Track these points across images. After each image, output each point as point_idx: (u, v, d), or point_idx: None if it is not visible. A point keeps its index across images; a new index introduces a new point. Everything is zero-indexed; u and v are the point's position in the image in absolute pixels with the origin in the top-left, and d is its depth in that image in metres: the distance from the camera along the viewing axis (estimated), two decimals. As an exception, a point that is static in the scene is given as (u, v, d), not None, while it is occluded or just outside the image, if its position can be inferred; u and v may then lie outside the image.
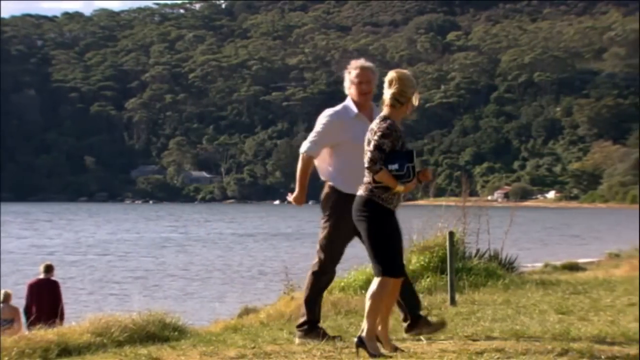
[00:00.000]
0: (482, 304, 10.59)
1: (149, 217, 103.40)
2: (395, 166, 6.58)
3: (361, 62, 7.73)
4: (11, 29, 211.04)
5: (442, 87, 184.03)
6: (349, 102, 7.72)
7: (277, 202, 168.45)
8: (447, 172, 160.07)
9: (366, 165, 6.62)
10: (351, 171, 7.28)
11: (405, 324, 7.76)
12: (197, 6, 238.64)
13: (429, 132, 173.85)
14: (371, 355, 6.58)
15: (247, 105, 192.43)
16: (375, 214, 6.66)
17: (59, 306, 14.89)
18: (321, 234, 7.71)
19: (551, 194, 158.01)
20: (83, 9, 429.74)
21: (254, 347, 7.29)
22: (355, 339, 6.71)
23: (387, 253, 6.67)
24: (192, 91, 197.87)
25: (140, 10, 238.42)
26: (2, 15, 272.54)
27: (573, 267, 26.53)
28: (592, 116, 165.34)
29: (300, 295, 12.68)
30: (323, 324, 7.90)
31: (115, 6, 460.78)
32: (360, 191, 6.76)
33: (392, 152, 6.59)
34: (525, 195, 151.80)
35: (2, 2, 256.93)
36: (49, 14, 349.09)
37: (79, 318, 10.20)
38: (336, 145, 7.62)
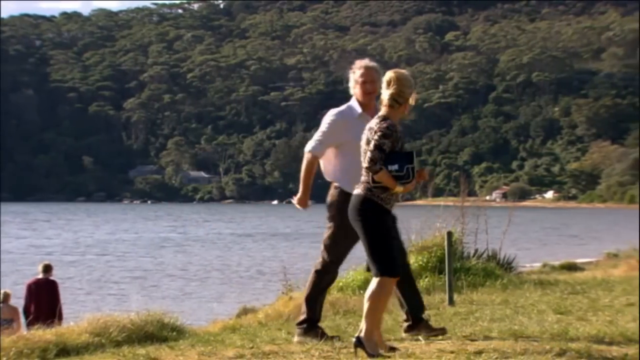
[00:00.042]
0: (481, 304, 10.59)
1: (148, 217, 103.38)
2: (395, 167, 6.57)
3: (365, 61, 7.72)
4: (9, 28, 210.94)
5: (441, 87, 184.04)
6: (353, 102, 7.72)
7: (275, 202, 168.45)
8: (446, 172, 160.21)
9: (366, 164, 6.61)
10: (356, 171, 7.25)
11: (405, 324, 7.75)
12: (196, 6, 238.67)
13: (427, 132, 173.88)
14: (370, 355, 6.58)
15: (245, 105, 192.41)
16: (374, 214, 6.66)
17: (57, 306, 14.89)
18: (326, 233, 7.70)
19: (549, 194, 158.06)
20: (81, 9, 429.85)
21: (252, 347, 7.29)
22: (354, 339, 6.70)
23: (385, 253, 6.66)
24: (191, 91, 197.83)
25: (138, 10, 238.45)
26: (1, 15, 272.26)
27: (571, 267, 26.54)
28: (591, 116, 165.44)
29: (299, 295, 12.68)
30: (321, 324, 7.89)
31: (114, 6, 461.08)
32: (358, 190, 6.74)
33: (392, 153, 6.58)
34: (523, 195, 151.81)
35: (1, 2, 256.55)
36: (47, 13, 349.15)
37: (77, 318, 10.20)
38: (340, 145, 7.60)
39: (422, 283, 12.65)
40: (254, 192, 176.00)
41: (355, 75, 7.69)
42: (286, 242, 58.53)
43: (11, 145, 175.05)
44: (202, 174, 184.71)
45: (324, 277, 7.77)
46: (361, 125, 7.27)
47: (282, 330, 8.65)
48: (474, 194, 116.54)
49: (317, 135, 7.73)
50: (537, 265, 28.53)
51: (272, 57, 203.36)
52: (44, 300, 15.14)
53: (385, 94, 6.76)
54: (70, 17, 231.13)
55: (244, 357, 6.97)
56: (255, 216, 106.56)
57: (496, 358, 6.51)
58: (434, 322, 7.91)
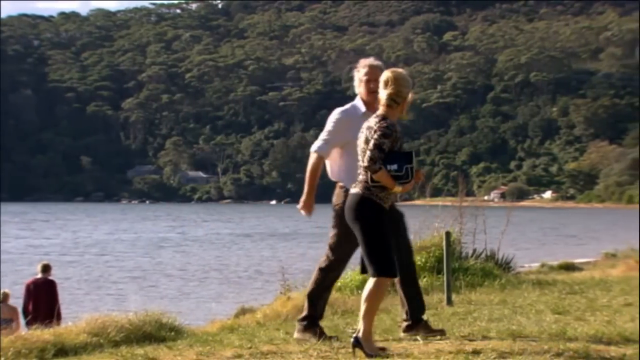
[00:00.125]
0: (479, 304, 10.59)
1: (146, 217, 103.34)
2: (395, 167, 6.57)
3: (370, 60, 7.70)
4: (7, 28, 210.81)
5: (439, 87, 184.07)
6: (357, 100, 7.71)
7: (273, 202, 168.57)
8: (444, 172, 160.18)
9: (365, 164, 6.59)
10: None
11: (404, 324, 7.75)
12: (194, 6, 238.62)
13: (425, 132, 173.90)
14: (368, 355, 6.58)
15: (243, 105, 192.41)
16: (373, 213, 6.65)
17: (55, 306, 14.89)
18: (331, 233, 7.70)
19: (548, 194, 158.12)
20: (79, 9, 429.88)
21: (250, 347, 7.29)
22: (352, 339, 6.70)
23: (383, 253, 6.65)
24: (189, 91, 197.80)
25: (136, 10, 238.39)
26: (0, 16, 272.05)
27: (569, 267, 26.54)
28: (589, 116, 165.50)
29: (297, 295, 12.67)
30: (319, 324, 7.89)
31: (112, 6, 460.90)
32: (356, 189, 6.72)
33: (391, 153, 6.58)
34: (521, 195, 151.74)
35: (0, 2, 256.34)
36: (45, 13, 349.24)
37: (76, 318, 10.20)
38: (346, 144, 7.58)
39: (420, 283, 12.64)
40: (252, 192, 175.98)
41: (359, 74, 7.67)
42: (284, 242, 58.53)
43: (9, 145, 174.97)
44: (201, 174, 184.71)
45: (328, 274, 7.77)
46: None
47: (280, 330, 8.64)
48: (472, 194, 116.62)
49: (322, 135, 7.69)
50: (535, 265, 28.53)
51: (270, 57, 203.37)
52: (42, 300, 15.15)
53: (383, 93, 6.76)
54: (68, 17, 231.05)
55: (242, 357, 6.97)
56: (254, 216, 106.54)
57: (494, 358, 6.51)
58: (432, 323, 7.91)
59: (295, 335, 7.67)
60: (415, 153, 6.82)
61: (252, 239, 63.05)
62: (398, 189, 6.61)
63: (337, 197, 7.66)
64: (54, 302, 15.05)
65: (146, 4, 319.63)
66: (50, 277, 15.59)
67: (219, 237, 66.15)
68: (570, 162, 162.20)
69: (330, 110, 8.08)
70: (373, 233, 6.65)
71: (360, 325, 6.69)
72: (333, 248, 7.66)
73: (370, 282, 6.68)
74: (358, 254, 7.03)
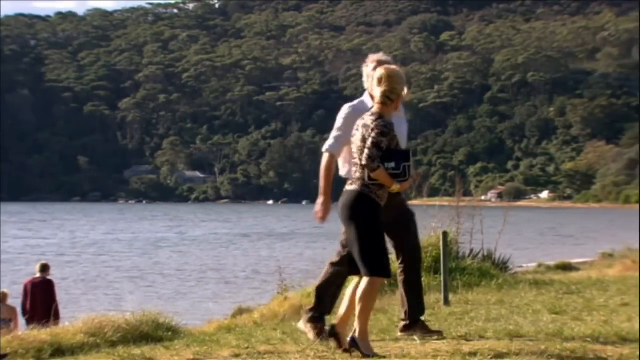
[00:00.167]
0: (476, 304, 10.59)
1: (143, 217, 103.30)
2: (392, 165, 6.56)
3: (379, 55, 7.64)
4: (4, 28, 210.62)
5: (436, 87, 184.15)
6: (365, 96, 7.66)
7: (271, 202, 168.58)
8: (441, 172, 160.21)
9: (364, 162, 6.57)
10: None
11: (401, 324, 7.75)
12: (191, 6, 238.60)
13: (422, 132, 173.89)
14: (364, 355, 6.57)
15: (240, 105, 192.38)
16: (369, 212, 6.62)
17: (53, 305, 14.88)
18: (343, 229, 7.68)
19: (545, 194, 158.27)
20: (76, 8, 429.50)
21: (247, 347, 7.28)
22: (348, 339, 6.70)
23: (378, 252, 6.62)
24: (186, 91, 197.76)
25: (133, 10, 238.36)
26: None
27: (566, 267, 26.56)
28: (586, 116, 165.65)
29: (294, 295, 12.68)
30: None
31: (109, 6, 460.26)
32: (354, 186, 6.70)
33: (388, 151, 6.57)
34: (518, 195, 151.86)
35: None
36: (42, 13, 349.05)
37: (73, 318, 10.19)
38: None
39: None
40: (249, 192, 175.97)
41: (368, 69, 7.60)
42: (282, 242, 58.52)
43: (6, 145, 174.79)
44: (198, 174, 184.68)
45: (338, 269, 7.74)
46: None
47: (277, 330, 8.64)
48: (470, 194, 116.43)
49: (333, 133, 7.58)
50: (533, 265, 28.54)
51: (267, 57, 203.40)
52: (39, 300, 15.16)
53: (377, 91, 6.75)
54: (66, 17, 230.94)
55: (239, 357, 6.96)
56: (251, 216, 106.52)
57: (491, 358, 6.51)
58: (430, 324, 7.90)
59: (299, 323, 7.67)
60: (413, 153, 6.82)
61: (249, 239, 63.02)
62: (396, 187, 6.61)
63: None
64: (52, 301, 15.04)
65: (143, 3, 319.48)
66: (49, 277, 15.60)
67: (216, 237, 66.11)
68: (567, 162, 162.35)
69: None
70: (369, 233, 6.62)
71: (356, 325, 6.69)
72: (344, 245, 7.66)
73: (364, 281, 6.66)
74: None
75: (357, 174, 6.67)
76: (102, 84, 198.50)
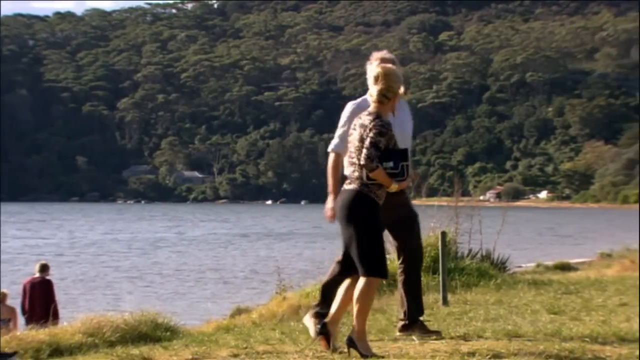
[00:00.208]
0: (475, 304, 10.59)
1: (142, 217, 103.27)
2: (391, 164, 6.56)
3: (382, 53, 7.64)
4: (3, 28, 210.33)
5: (434, 87, 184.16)
6: (369, 94, 7.66)
7: (269, 202, 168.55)
8: (440, 172, 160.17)
9: (362, 162, 6.55)
10: None
11: (400, 323, 7.75)
12: (189, 6, 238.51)
13: (421, 132, 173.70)
14: (363, 355, 6.57)
15: (239, 105, 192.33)
16: (369, 212, 6.61)
17: (51, 305, 14.88)
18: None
19: (543, 194, 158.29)
20: (75, 8, 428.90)
21: (246, 348, 7.28)
22: (346, 339, 6.70)
23: (376, 252, 6.61)
24: (185, 91, 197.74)
25: (132, 10, 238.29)
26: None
27: (565, 267, 26.57)
28: (584, 116, 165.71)
29: (293, 295, 12.68)
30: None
31: (107, 6, 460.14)
32: (352, 185, 6.69)
33: (386, 150, 6.56)
34: (517, 195, 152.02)
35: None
36: (41, 13, 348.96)
37: (71, 318, 10.19)
38: None
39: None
40: (247, 192, 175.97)
41: (371, 67, 7.62)
42: (280, 242, 58.51)
43: (5, 146, 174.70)
44: (196, 174, 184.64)
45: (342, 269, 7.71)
46: None
47: (276, 330, 8.64)
48: (468, 194, 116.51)
49: (337, 132, 7.58)
50: (531, 265, 28.56)
51: (266, 57, 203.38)
52: (37, 300, 15.16)
53: (374, 89, 6.74)
54: (64, 17, 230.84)
55: (238, 357, 6.96)
56: (250, 216, 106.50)
57: (490, 358, 6.51)
58: (428, 324, 7.90)
59: (305, 317, 7.66)
60: (411, 153, 6.82)
61: (248, 239, 62.99)
62: (395, 186, 6.61)
63: None
64: (50, 301, 15.03)
65: (142, 3, 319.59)
66: (48, 277, 15.59)
67: (215, 237, 66.08)
68: (565, 162, 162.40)
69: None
70: (369, 233, 6.62)
71: (354, 325, 6.68)
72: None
73: (361, 281, 6.65)
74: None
75: (356, 174, 6.67)
76: (101, 84, 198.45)
